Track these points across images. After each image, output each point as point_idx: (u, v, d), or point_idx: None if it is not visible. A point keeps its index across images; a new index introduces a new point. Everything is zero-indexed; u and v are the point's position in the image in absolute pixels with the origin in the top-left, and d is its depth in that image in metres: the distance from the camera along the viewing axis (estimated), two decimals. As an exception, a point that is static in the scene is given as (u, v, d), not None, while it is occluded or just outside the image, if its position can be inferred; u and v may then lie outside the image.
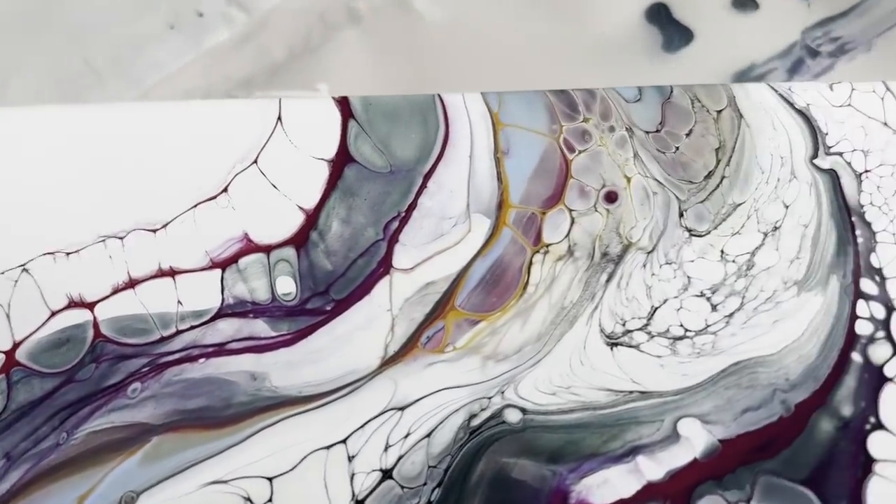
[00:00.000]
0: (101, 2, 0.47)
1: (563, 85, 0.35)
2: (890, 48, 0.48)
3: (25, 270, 0.30)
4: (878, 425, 0.28)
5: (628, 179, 0.32)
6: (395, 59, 0.49)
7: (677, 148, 0.33)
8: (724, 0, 0.49)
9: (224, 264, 0.31)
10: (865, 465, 0.27)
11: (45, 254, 0.30)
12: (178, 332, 0.30)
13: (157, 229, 0.31)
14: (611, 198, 0.32)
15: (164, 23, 0.50)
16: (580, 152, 0.33)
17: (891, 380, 0.29)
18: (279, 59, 0.49)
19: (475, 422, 0.29)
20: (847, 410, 0.28)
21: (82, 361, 0.29)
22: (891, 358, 0.29)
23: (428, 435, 0.28)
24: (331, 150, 0.33)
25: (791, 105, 0.33)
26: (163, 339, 0.30)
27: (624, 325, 0.30)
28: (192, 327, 0.30)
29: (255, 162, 0.32)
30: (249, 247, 0.31)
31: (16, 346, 0.30)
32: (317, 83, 0.48)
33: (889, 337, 0.29)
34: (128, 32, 0.50)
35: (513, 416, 0.29)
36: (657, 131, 0.33)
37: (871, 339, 0.29)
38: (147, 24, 0.50)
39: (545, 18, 0.49)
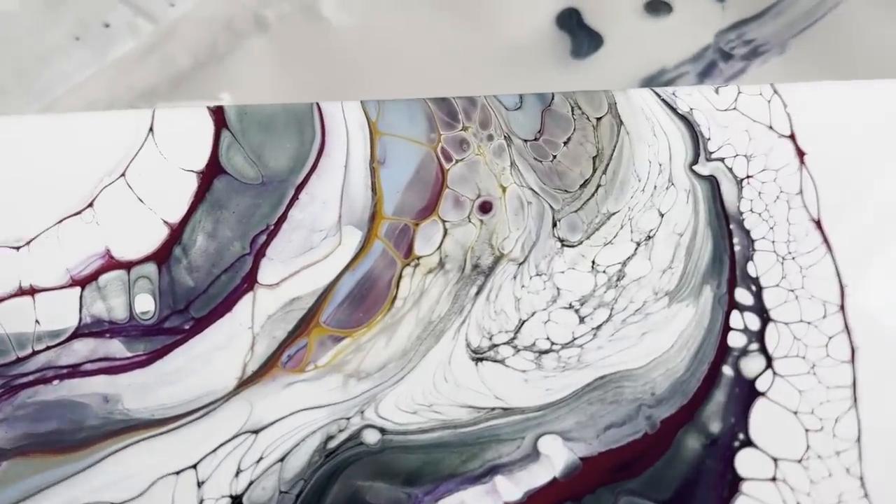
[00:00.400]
0: (6, 13, 0.45)
1: (471, 92, 0.34)
2: (804, 50, 0.47)
3: None
4: (747, 442, 0.27)
5: (504, 189, 0.31)
6: (302, 66, 0.48)
7: (555, 156, 0.32)
8: (637, 4, 0.48)
9: (84, 282, 0.30)
10: (732, 483, 0.26)
11: None
12: (34, 353, 0.29)
13: (20, 246, 0.30)
14: (485, 208, 0.31)
15: (70, 34, 0.49)
16: (457, 161, 0.32)
17: (762, 394, 0.27)
18: (184, 69, 0.48)
19: (332, 444, 0.27)
20: (715, 427, 0.27)
21: None
22: (764, 371, 0.28)
23: (281, 459, 0.27)
24: (201, 162, 0.31)
25: (674, 110, 0.32)
26: (19, 360, 0.29)
27: (490, 339, 0.29)
28: (48, 348, 0.29)
29: (124, 175, 0.31)
30: (110, 263, 0.30)
31: None
32: (220, 93, 0.47)
33: (763, 349, 0.28)
34: (33, 44, 0.48)
35: (371, 437, 0.27)
36: (535, 139, 0.32)
37: (744, 352, 0.28)
38: (53, 36, 0.49)
39: (456, 25, 0.48)
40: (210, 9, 0.49)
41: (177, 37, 0.49)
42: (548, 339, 0.29)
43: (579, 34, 0.46)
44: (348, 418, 0.28)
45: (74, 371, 0.29)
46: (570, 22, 0.46)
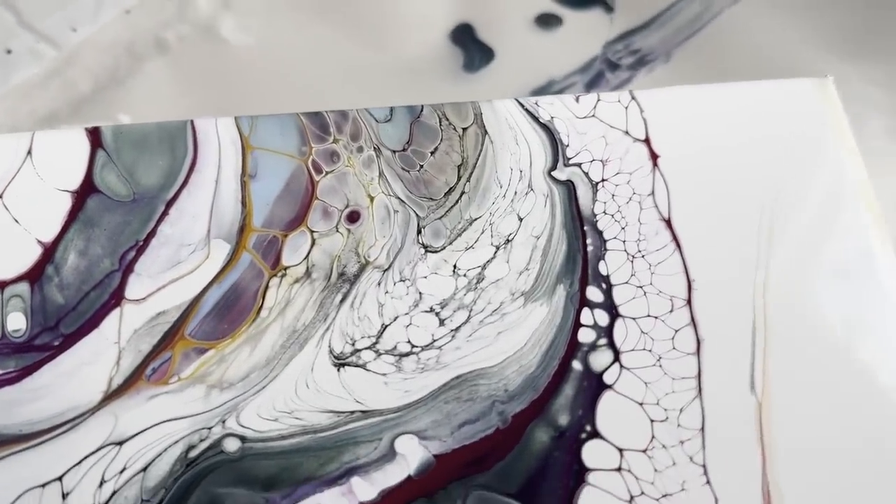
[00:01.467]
0: None
1: (368, 106, 0.35)
2: (687, 58, 0.49)
3: None
4: (594, 433, 0.28)
5: (371, 199, 0.32)
6: (201, 86, 0.49)
7: (422, 166, 0.33)
8: (528, 18, 0.49)
9: None
10: (578, 474, 0.27)
11: None
12: None
13: None
14: (353, 218, 0.32)
15: (-27, 60, 0.49)
16: (327, 173, 0.33)
17: (610, 386, 0.29)
18: (85, 93, 0.49)
19: (193, 453, 0.28)
20: (564, 420, 0.28)
21: None
22: (611, 365, 0.29)
23: (144, 469, 0.28)
24: (76, 182, 0.32)
25: (536, 119, 0.33)
26: None
27: (353, 344, 0.30)
28: None
29: (0, 197, 0.32)
30: None
31: None
32: (120, 115, 0.47)
33: (611, 344, 0.29)
34: None
35: (231, 446, 0.28)
36: (404, 150, 0.33)
37: (593, 347, 0.29)
38: None
39: (353, 43, 0.49)
40: (111, 33, 0.50)
41: (78, 61, 0.49)
42: (408, 342, 0.30)
43: (472, 48, 0.47)
44: (209, 428, 0.29)
45: None
46: (464, 37, 0.47)
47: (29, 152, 0.33)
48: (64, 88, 0.51)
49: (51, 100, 0.51)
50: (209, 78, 0.50)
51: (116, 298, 0.31)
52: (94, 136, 0.33)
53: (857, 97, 0.45)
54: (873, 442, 0.28)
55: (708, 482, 0.27)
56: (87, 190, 0.32)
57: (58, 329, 0.30)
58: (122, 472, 0.28)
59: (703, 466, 0.27)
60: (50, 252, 0.31)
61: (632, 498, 0.27)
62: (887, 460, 0.27)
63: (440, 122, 0.34)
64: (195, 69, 0.50)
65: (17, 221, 0.32)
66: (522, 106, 0.34)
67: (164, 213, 0.32)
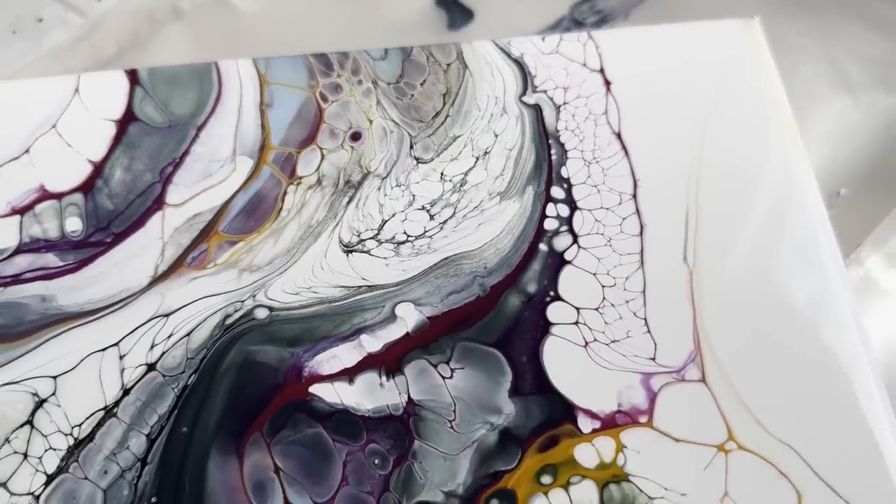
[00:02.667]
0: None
1: None
2: (644, 16, 0.56)
3: None
4: (556, 297, 0.35)
5: (371, 122, 0.39)
6: (213, 48, 0.56)
7: (412, 95, 0.40)
8: (502, -18, 0.56)
9: (22, 211, 0.37)
10: (544, 328, 0.34)
11: None
12: None
13: None
14: (355, 137, 0.39)
15: (8, 29, 0.56)
16: (333, 102, 0.40)
17: (569, 262, 0.36)
18: (110, 55, 0.56)
19: (229, 321, 0.35)
20: (532, 288, 0.35)
21: None
22: (571, 245, 0.36)
23: (188, 334, 0.35)
24: (118, 112, 0.39)
25: (508, 55, 0.41)
26: None
27: (359, 236, 0.37)
28: None
29: (55, 126, 0.39)
30: (45, 195, 0.37)
31: None
32: (142, 73, 0.54)
33: (571, 230, 0.36)
34: None
35: (261, 314, 0.35)
36: (397, 83, 0.40)
37: (556, 233, 0.36)
38: None
39: (348, 8, 0.56)
40: (133, 3, 0.57)
41: (103, 28, 0.56)
42: (405, 233, 0.37)
43: (454, 10, 0.54)
44: (242, 301, 0.36)
45: (16, 279, 0.36)
46: (447, 1, 0.55)
47: (76, 90, 0.40)
48: (91, 52, 0.58)
49: (79, 62, 0.58)
50: (220, 41, 0.57)
51: (158, 203, 0.38)
52: (132, 75, 0.40)
53: (791, 47, 0.53)
54: (782, 292, 0.35)
55: (648, 331, 0.35)
56: (128, 119, 0.39)
57: (109, 229, 0.37)
58: (169, 337, 0.35)
59: (644, 319, 0.35)
60: (99, 168, 0.38)
61: (587, 343, 0.34)
62: (792, 308, 0.35)
63: (427, 59, 0.41)
64: (208, 33, 0.57)
65: (69, 145, 0.39)
66: (497, 45, 0.41)
67: (196, 136, 0.39)
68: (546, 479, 0.31)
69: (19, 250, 0.36)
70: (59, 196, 0.37)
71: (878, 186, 0.48)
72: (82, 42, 0.57)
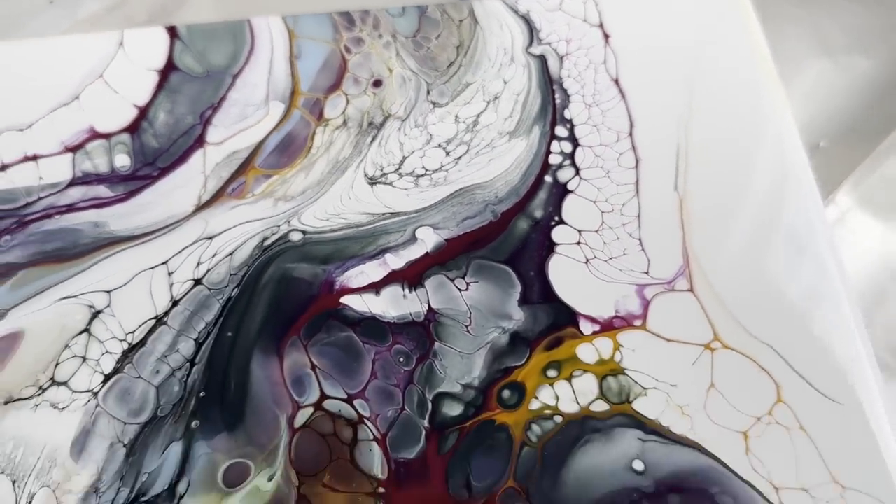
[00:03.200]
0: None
1: None
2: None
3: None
4: (560, 221, 0.40)
5: (391, 71, 0.44)
6: (237, 15, 0.61)
7: (428, 48, 0.44)
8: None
9: (75, 149, 0.42)
10: (549, 248, 0.39)
11: None
12: (39, 199, 0.40)
13: (23, 129, 0.42)
14: (377, 84, 0.44)
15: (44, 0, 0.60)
16: (356, 53, 0.44)
17: (572, 191, 0.40)
18: (141, 23, 0.60)
19: (267, 242, 0.39)
20: (538, 213, 0.40)
21: None
22: (573, 177, 0.41)
23: (230, 254, 0.39)
24: (160, 63, 0.44)
25: (516, 12, 0.45)
26: (28, 205, 0.40)
27: (382, 170, 0.41)
28: (50, 195, 0.41)
29: (101, 76, 0.43)
30: (95, 135, 0.42)
31: None
32: (172, 38, 0.58)
33: (573, 163, 0.41)
34: (10, 8, 0.60)
35: (295, 237, 0.40)
36: (414, 37, 0.45)
37: (560, 166, 0.41)
38: (29, 2, 0.60)
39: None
40: (161, -26, 0.61)
41: (134, -1, 0.60)
42: (423, 167, 0.41)
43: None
44: (278, 226, 0.40)
45: (71, 208, 0.41)
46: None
47: (121, 44, 0.44)
48: (123, 20, 0.63)
49: (112, 29, 0.62)
50: (244, 8, 0.62)
51: (200, 142, 0.42)
52: (172, 31, 0.45)
53: (777, 13, 0.58)
54: (762, 215, 0.39)
55: (643, 249, 0.39)
56: (169, 69, 0.44)
57: (155, 164, 0.42)
58: (213, 256, 0.39)
59: (639, 240, 0.39)
60: (144, 111, 0.43)
61: (587, 260, 0.39)
62: (770, 229, 0.39)
63: (441, 16, 0.46)
64: (232, 1, 0.62)
65: (116, 92, 0.43)
66: (505, 3, 0.46)
67: (232, 84, 0.44)
68: (551, 373, 0.35)
69: (73, 183, 0.40)
70: (107, 136, 0.41)
71: (855, 139, 0.53)
72: (115, 11, 0.61)
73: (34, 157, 0.40)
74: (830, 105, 0.52)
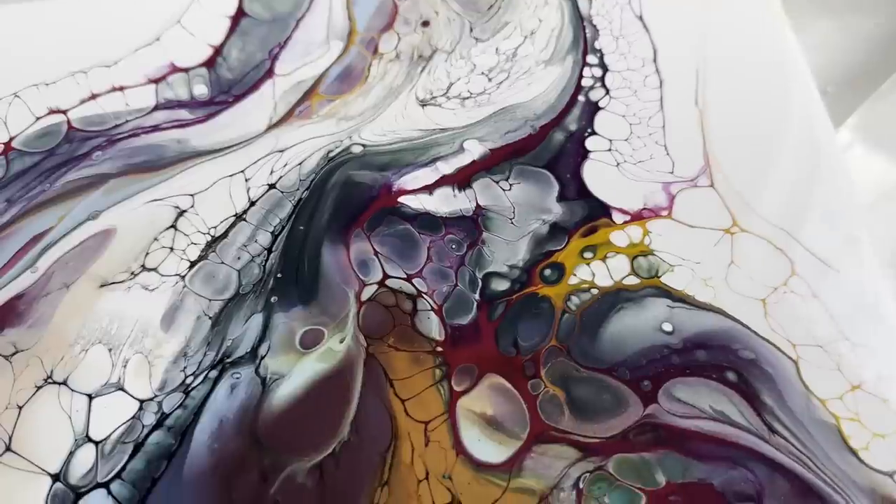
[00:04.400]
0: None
1: None
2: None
3: (16, 96, 0.46)
4: (593, 132, 0.45)
5: (437, 13, 0.50)
6: None
7: None
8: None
9: (157, 80, 0.48)
10: (583, 154, 0.44)
11: (30, 86, 0.46)
12: (127, 122, 0.46)
13: (110, 65, 0.48)
14: (426, 24, 0.49)
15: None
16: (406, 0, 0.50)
17: (603, 108, 0.46)
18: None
19: (332, 154, 0.45)
20: (573, 126, 0.45)
21: (60, 144, 0.45)
22: (604, 97, 0.46)
23: (299, 163, 0.45)
24: (231, 10, 0.50)
25: None
26: (116, 126, 0.46)
27: (431, 94, 0.47)
28: (136, 118, 0.46)
29: (179, 21, 0.49)
30: (175, 69, 0.48)
31: (11, 139, 0.45)
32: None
33: (604, 85, 0.46)
34: None
35: (356, 149, 0.45)
36: None
37: (592, 87, 0.46)
38: None
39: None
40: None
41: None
42: (468, 91, 0.47)
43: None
44: (341, 140, 0.46)
45: (155, 129, 0.46)
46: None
47: None
48: None
49: None
50: None
51: (269, 74, 0.48)
52: None
53: None
54: (773, 121, 0.45)
55: (668, 154, 0.44)
56: (239, 15, 0.50)
57: (230, 92, 0.48)
58: (284, 166, 0.45)
59: (665, 146, 0.45)
60: (219, 50, 0.49)
61: (618, 164, 0.44)
62: (781, 134, 0.45)
63: None
64: None
65: (192, 35, 0.49)
66: None
67: (296, 26, 0.50)
68: (588, 255, 0.40)
69: (157, 108, 0.46)
70: (186, 70, 0.47)
71: (856, 86, 0.58)
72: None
73: (121, 88, 0.46)
74: (836, 56, 0.57)
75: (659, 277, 0.38)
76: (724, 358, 0.36)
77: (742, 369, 0.36)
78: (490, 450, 0.34)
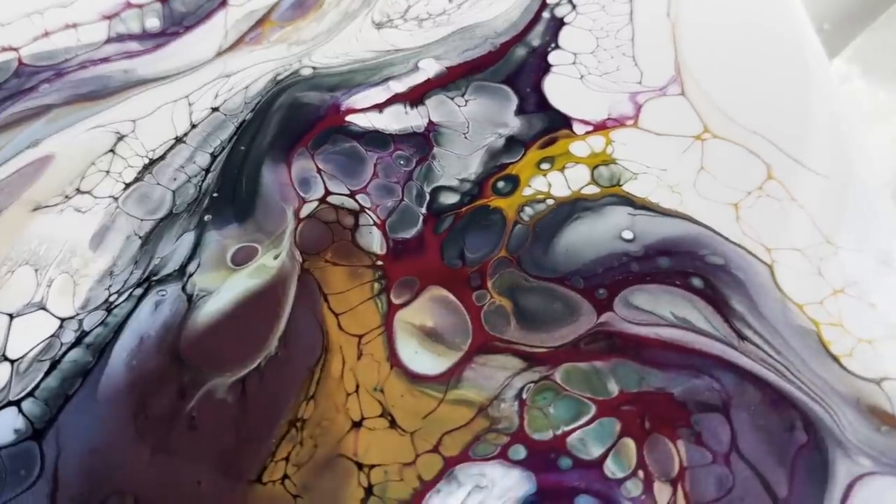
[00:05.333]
0: None
1: None
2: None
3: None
4: (557, 47, 0.42)
5: None
6: None
7: None
8: None
9: (111, 16, 0.46)
10: (545, 68, 0.41)
11: None
12: (77, 56, 0.45)
13: (66, 5, 0.46)
14: None
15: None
16: None
17: (568, 24, 0.43)
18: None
19: (279, 77, 0.43)
20: (536, 42, 0.42)
21: (8, 80, 0.43)
22: (569, 13, 0.43)
23: (246, 87, 0.42)
24: None
25: None
26: (66, 61, 0.44)
27: (388, 17, 0.44)
28: (86, 52, 0.45)
29: None
30: (129, 5, 0.46)
31: None
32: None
33: (570, 1, 0.44)
34: None
35: (306, 72, 0.43)
36: None
37: (557, 4, 0.44)
38: None
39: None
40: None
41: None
42: (427, 13, 0.44)
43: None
44: (291, 64, 0.43)
45: (104, 60, 0.44)
46: None
47: None
48: None
49: None
50: None
51: (223, 4, 0.46)
52: None
53: None
54: (746, 27, 0.41)
55: (636, 65, 0.41)
56: None
57: (182, 24, 0.45)
58: (230, 90, 0.43)
59: (633, 57, 0.41)
60: None
61: (582, 76, 0.41)
62: (753, 38, 0.41)
63: None
64: None
65: None
66: None
67: None
68: (545, 166, 0.37)
69: (108, 41, 0.44)
70: (140, 6, 0.45)
71: (848, 24, 0.54)
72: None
73: (74, 25, 0.44)
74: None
75: (621, 186, 0.35)
76: (689, 264, 0.32)
77: (709, 275, 0.32)
78: (427, 362, 0.31)
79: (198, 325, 0.33)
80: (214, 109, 0.40)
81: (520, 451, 0.29)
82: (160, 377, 0.32)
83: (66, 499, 0.30)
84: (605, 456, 0.29)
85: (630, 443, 0.29)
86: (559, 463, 0.29)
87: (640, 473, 0.28)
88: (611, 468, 0.29)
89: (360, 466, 0.30)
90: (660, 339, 0.31)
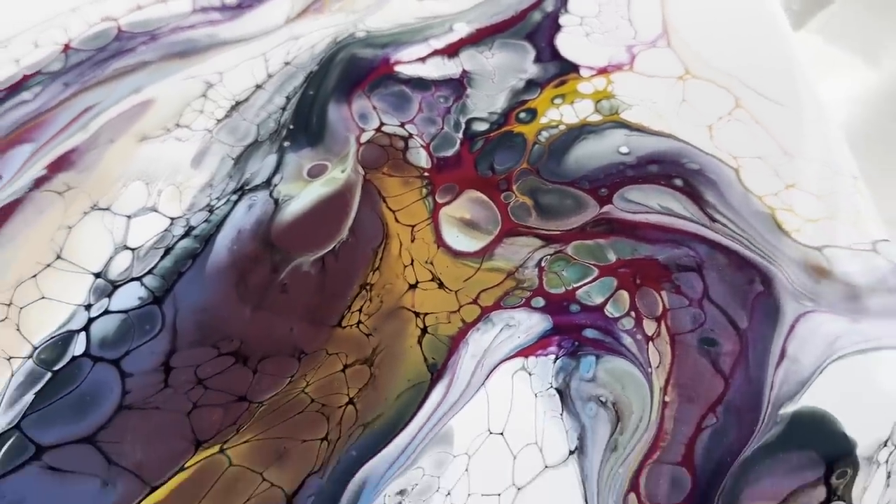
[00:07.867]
0: None
1: None
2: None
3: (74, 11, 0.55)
4: (566, 11, 0.52)
5: None
6: None
7: None
8: None
9: None
10: (557, 28, 0.51)
11: (87, 3, 0.56)
12: (168, 24, 0.55)
13: None
14: None
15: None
16: None
17: None
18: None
19: (339, 38, 0.53)
20: (550, 7, 0.53)
21: (110, 43, 0.54)
22: None
23: (311, 46, 0.53)
24: None
25: None
26: (158, 28, 0.55)
27: None
28: (177, 20, 0.55)
29: None
30: None
31: (70, 41, 0.54)
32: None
33: None
34: None
35: (361, 34, 0.53)
36: None
37: None
38: None
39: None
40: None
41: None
42: None
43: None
44: (348, 29, 0.54)
45: (191, 27, 0.55)
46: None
47: None
48: None
49: None
50: None
51: None
52: None
53: None
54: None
55: (631, 25, 0.51)
56: None
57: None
58: (298, 48, 0.53)
59: (629, 19, 0.51)
60: None
61: (587, 34, 0.51)
62: (731, 7, 0.51)
63: None
64: None
65: None
66: None
67: None
68: (557, 101, 0.47)
69: (193, 12, 0.54)
70: None
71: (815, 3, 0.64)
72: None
73: (164, 0, 0.55)
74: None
75: (619, 114, 0.45)
76: (672, 170, 0.42)
77: (688, 177, 0.42)
78: (467, 242, 0.41)
79: (284, 220, 0.43)
80: (286, 63, 0.50)
81: (539, 301, 0.39)
82: (256, 258, 0.41)
83: (185, 343, 0.39)
84: (605, 302, 0.39)
85: (625, 293, 0.39)
86: (570, 308, 0.39)
87: (633, 314, 0.38)
88: (610, 310, 0.38)
89: (416, 314, 0.39)
90: (648, 222, 0.41)
